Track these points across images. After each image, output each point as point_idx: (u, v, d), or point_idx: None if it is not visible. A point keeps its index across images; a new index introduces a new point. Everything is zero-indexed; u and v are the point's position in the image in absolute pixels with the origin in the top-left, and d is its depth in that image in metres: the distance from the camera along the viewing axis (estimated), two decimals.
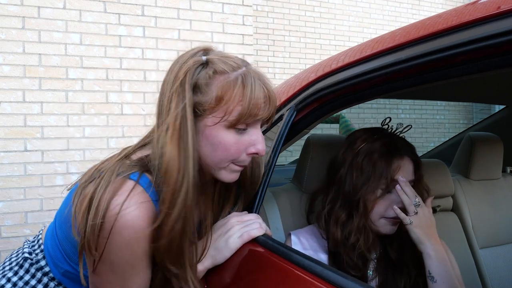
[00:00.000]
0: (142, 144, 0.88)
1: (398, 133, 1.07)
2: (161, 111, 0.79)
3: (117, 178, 0.76)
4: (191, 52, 0.82)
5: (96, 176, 0.79)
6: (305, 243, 1.06)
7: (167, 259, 0.79)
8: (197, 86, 0.78)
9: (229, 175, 0.85)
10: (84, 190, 0.78)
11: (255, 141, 0.83)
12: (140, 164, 0.81)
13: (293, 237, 1.07)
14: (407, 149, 1.03)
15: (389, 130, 1.07)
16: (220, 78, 0.78)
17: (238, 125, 0.79)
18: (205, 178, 0.87)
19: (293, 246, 1.04)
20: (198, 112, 0.78)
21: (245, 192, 0.97)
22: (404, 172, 0.99)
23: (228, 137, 0.80)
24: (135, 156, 0.84)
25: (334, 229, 1.01)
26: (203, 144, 0.81)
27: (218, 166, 0.83)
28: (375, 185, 0.99)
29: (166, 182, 0.75)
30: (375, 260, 1.04)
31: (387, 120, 1.08)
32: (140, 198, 0.75)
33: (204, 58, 0.80)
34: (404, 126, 1.08)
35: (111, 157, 0.85)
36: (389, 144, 1.02)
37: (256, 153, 0.84)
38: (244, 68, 0.81)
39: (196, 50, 0.82)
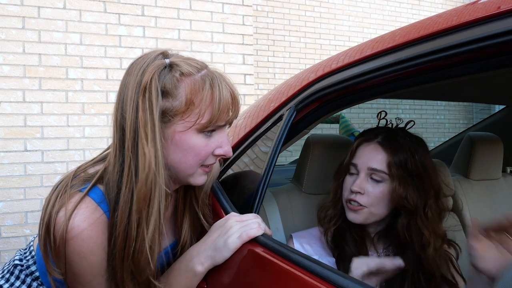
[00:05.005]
0: (100, 158, 0.87)
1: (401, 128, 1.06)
2: (123, 119, 0.76)
3: (67, 192, 0.77)
4: (149, 56, 0.79)
5: (51, 194, 0.80)
6: (308, 250, 1.05)
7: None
8: (165, 90, 0.76)
9: (198, 179, 0.86)
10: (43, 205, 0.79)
11: (222, 143, 0.83)
12: (94, 177, 0.80)
13: (295, 244, 1.06)
14: (380, 135, 1.01)
15: (391, 126, 1.07)
16: (187, 80, 0.77)
17: (209, 127, 0.79)
18: (174, 187, 0.87)
19: None
20: (167, 118, 0.76)
21: (198, 199, 0.95)
22: (366, 158, 0.99)
23: (199, 141, 0.79)
24: (92, 170, 0.84)
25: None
26: (172, 151, 0.79)
27: (188, 172, 0.83)
28: (342, 170, 1.05)
29: (136, 193, 0.75)
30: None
31: (382, 114, 1.07)
32: (87, 209, 0.75)
33: (167, 61, 0.78)
34: (405, 121, 1.06)
35: (70, 171, 0.85)
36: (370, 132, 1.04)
37: (224, 155, 0.84)
38: (206, 70, 0.80)
39: (155, 54, 0.80)
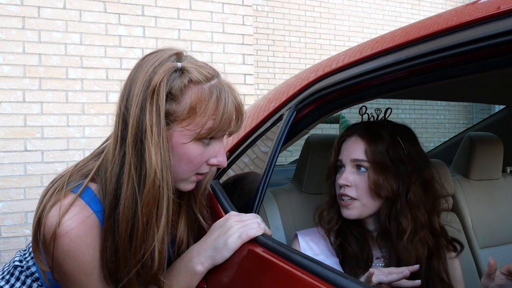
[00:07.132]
0: (100, 151, 0.87)
1: (382, 119, 1.06)
2: (126, 113, 0.76)
3: (60, 191, 0.77)
4: (163, 55, 0.79)
5: (49, 187, 0.80)
6: (315, 248, 1.05)
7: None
8: (171, 94, 0.75)
9: (188, 185, 0.85)
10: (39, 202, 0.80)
11: (217, 153, 0.83)
12: (89, 175, 0.80)
13: (301, 243, 1.06)
14: (361, 128, 1.02)
15: (373, 119, 1.08)
16: (195, 88, 0.76)
17: (207, 138, 0.79)
18: None
19: (302, 251, 1.03)
20: (167, 121, 0.76)
21: (195, 201, 0.95)
22: (347, 151, 1.01)
23: (194, 149, 0.79)
24: (91, 165, 0.84)
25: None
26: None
27: (180, 177, 0.83)
28: (331, 170, 1.07)
29: (144, 196, 0.75)
30: (383, 262, 1.03)
31: (363, 109, 1.08)
32: (75, 209, 0.76)
33: (179, 64, 0.77)
34: (383, 110, 1.07)
35: (67, 169, 0.85)
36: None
37: (217, 165, 0.84)
38: (216, 79, 0.80)
39: (169, 54, 0.79)
